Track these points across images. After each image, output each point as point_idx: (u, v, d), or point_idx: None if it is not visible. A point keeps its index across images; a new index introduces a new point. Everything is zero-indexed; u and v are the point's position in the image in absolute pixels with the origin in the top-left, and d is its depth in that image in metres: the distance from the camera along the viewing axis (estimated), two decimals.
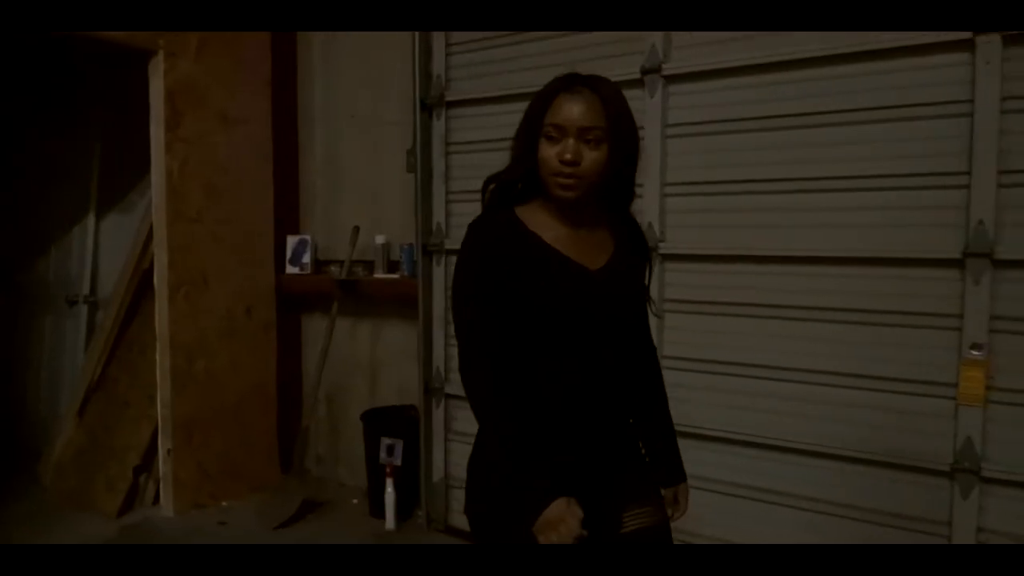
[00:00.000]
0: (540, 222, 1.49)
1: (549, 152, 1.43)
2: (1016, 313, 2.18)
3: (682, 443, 1.70)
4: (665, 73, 2.72)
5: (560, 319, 1.46)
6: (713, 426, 2.69)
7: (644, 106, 2.72)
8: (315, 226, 4.14)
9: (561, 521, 1.35)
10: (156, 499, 3.70)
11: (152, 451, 3.71)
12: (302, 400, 4.12)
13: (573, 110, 1.42)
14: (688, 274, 2.75)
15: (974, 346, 2.21)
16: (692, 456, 1.79)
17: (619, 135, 1.45)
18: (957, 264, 2.24)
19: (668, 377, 1.75)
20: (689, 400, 2.66)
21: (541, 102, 1.46)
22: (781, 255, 2.56)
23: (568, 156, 1.42)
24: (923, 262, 2.31)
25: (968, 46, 2.18)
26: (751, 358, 2.63)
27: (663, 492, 1.61)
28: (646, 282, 1.61)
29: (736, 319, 2.67)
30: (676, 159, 2.75)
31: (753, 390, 2.64)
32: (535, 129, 1.46)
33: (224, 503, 3.77)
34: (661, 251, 2.75)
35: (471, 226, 1.50)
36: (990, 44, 2.14)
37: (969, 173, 2.20)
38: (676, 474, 1.65)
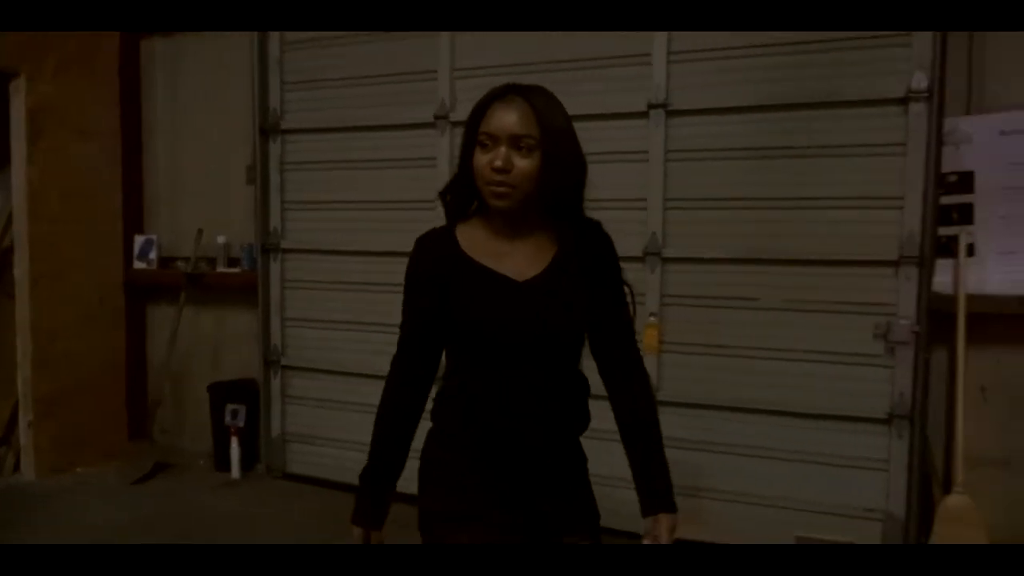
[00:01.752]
0: (473, 235, 1.52)
1: (482, 160, 1.45)
2: (676, 292, 3.31)
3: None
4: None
5: (477, 333, 1.48)
6: None
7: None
8: (159, 227, 4.74)
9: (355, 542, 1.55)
10: (16, 467, 4.21)
11: (12, 426, 4.21)
12: (146, 378, 4.73)
13: (504, 118, 1.44)
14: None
15: (652, 314, 3.32)
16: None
17: (552, 143, 1.44)
18: (640, 260, 3.33)
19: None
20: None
21: (476, 112, 1.48)
22: None
23: (498, 163, 1.43)
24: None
25: (645, 116, 3.29)
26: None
27: (645, 521, 1.53)
28: (614, 294, 1.58)
29: None
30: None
31: None
32: (471, 139, 1.48)
33: (79, 469, 4.32)
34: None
35: (415, 240, 1.56)
36: (657, 114, 3.26)
37: (646, 199, 3.32)
38: (658, 502, 1.53)
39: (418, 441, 1.60)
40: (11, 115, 4.04)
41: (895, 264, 3.02)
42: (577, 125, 1.50)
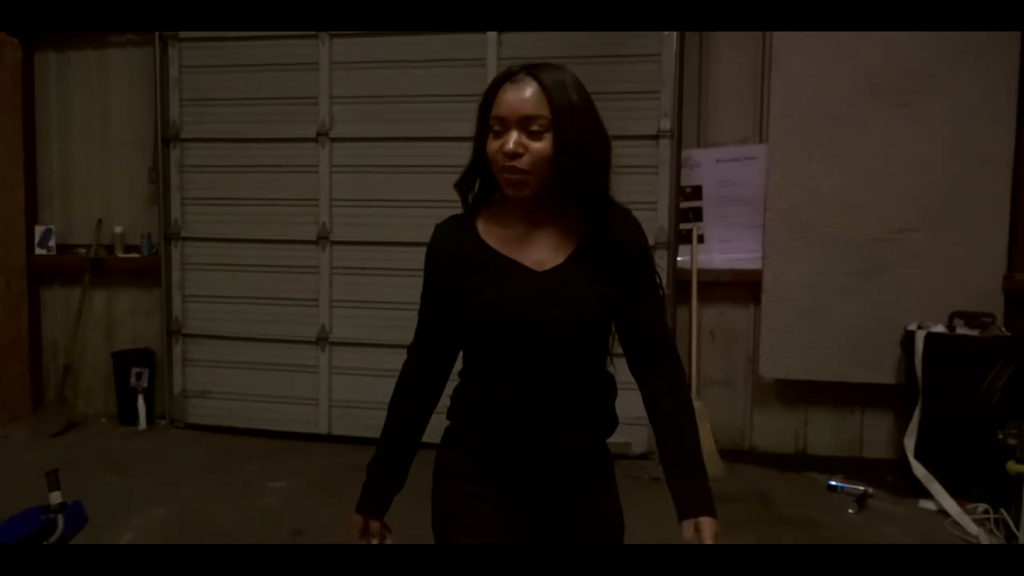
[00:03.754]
0: (493, 223, 1.47)
1: (494, 146, 1.39)
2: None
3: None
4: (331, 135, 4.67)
5: (491, 324, 1.43)
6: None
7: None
8: (54, 219, 5.37)
9: (353, 528, 1.56)
10: None
11: None
12: (42, 351, 5.38)
13: (512, 100, 1.37)
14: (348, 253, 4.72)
15: None
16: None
17: (565, 123, 1.36)
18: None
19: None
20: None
21: (487, 96, 1.42)
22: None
23: (509, 147, 1.36)
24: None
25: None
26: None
27: (685, 524, 1.42)
28: (643, 284, 1.49)
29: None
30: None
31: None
32: (484, 126, 1.42)
33: None
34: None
35: (434, 227, 1.53)
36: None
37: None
38: (698, 506, 1.42)
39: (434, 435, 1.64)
40: None
41: (653, 248, 4.40)
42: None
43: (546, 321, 1.41)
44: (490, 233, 1.49)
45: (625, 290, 1.48)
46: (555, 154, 1.38)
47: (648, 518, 2.04)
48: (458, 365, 1.62)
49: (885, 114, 4.15)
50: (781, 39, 4.25)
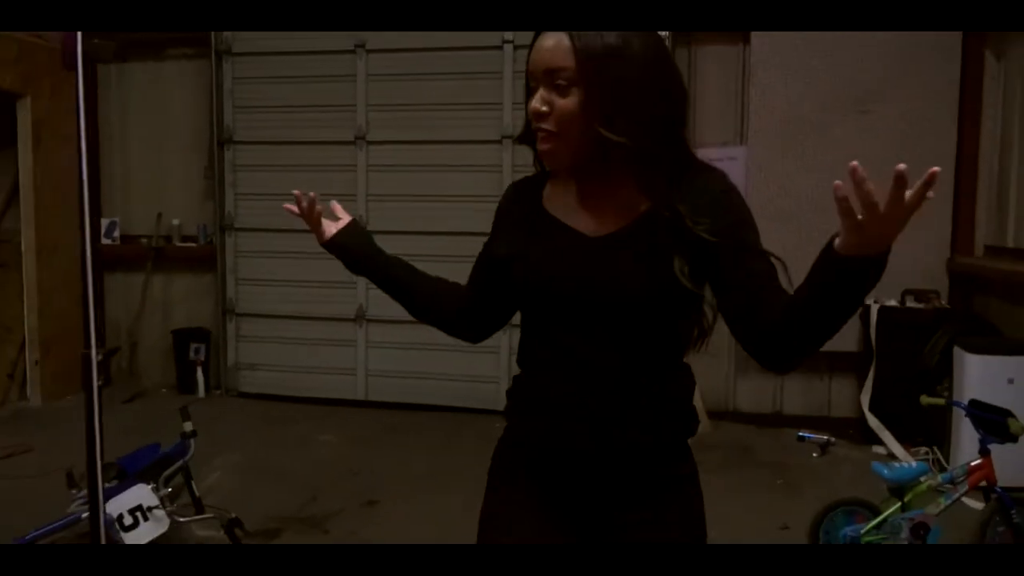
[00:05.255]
0: (559, 185, 1.34)
1: (528, 108, 1.25)
2: None
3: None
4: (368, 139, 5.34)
5: (533, 291, 1.32)
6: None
7: None
8: (115, 213, 6.05)
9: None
10: (20, 396, 5.46)
11: (17, 363, 5.45)
12: (106, 329, 6.07)
13: (537, 54, 1.23)
14: None
15: None
16: None
17: (593, 72, 1.18)
18: None
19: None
20: None
21: (529, 54, 1.26)
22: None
23: (533, 105, 1.23)
24: None
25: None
26: None
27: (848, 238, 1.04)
28: (735, 252, 1.24)
29: None
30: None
31: None
32: (526, 87, 1.28)
33: (69, 397, 5.61)
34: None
35: (510, 184, 1.47)
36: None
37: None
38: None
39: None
40: (18, 127, 5.26)
41: None
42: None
43: (592, 291, 1.26)
44: (554, 196, 1.36)
45: (716, 263, 1.25)
46: (585, 109, 1.21)
47: None
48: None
49: (847, 120, 4.84)
50: (758, 55, 4.93)
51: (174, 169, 5.93)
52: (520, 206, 1.40)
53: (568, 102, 1.22)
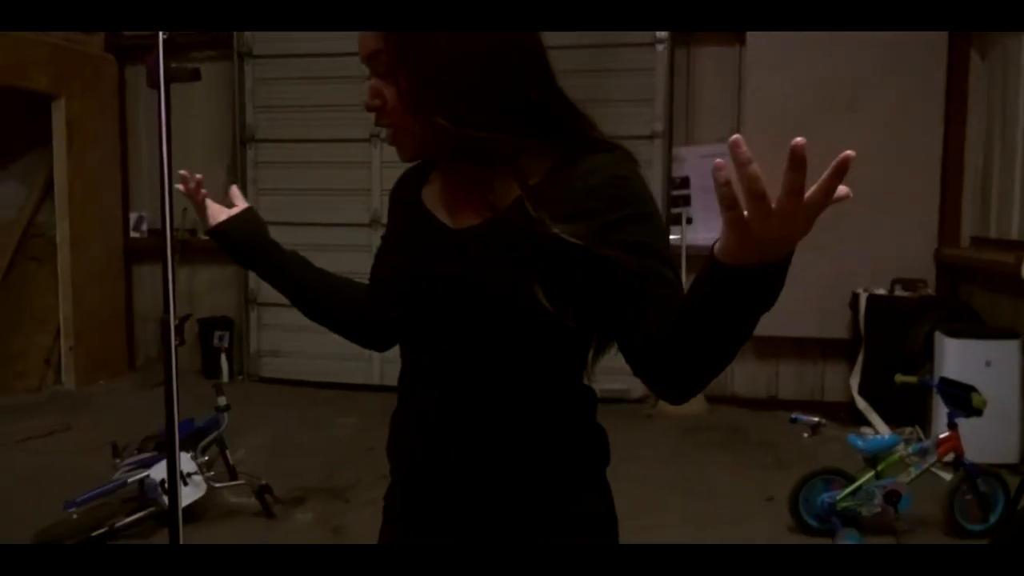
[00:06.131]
0: (438, 171, 1.15)
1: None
2: None
3: None
4: None
5: (386, 292, 1.16)
6: None
7: None
8: (143, 208, 6.36)
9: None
10: (56, 380, 5.78)
11: (52, 350, 5.78)
12: (134, 317, 6.39)
13: (359, 39, 1.04)
14: None
15: None
16: None
17: (408, 50, 1.00)
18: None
19: None
20: None
21: None
22: None
23: (365, 100, 1.06)
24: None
25: None
26: None
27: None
28: (620, 247, 0.99)
29: None
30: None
31: None
32: None
33: (101, 381, 5.94)
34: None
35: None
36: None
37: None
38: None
39: None
40: (53, 127, 5.57)
41: None
42: None
43: (449, 291, 1.05)
44: (433, 183, 1.16)
45: (587, 269, 1.01)
46: (409, 95, 1.02)
47: (642, 442, 2.93)
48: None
49: (837, 117, 5.08)
50: (752, 56, 5.18)
51: (199, 166, 6.11)
52: (402, 195, 1.21)
53: (392, 91, 1.04)
